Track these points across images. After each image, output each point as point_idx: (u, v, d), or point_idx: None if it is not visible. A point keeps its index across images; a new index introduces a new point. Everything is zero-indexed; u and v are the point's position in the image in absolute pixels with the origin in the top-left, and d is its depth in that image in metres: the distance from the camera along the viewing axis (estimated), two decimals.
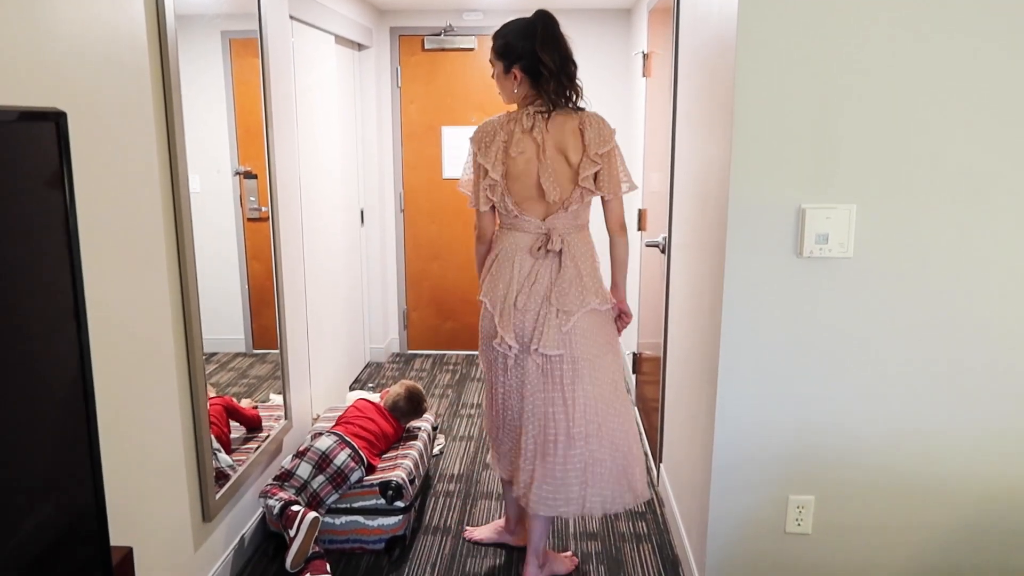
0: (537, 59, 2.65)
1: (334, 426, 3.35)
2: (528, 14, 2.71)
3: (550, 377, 2.72)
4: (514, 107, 2.76)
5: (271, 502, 2.94)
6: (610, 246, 2.81)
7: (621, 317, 2.88)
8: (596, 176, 2.66)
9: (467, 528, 3.34)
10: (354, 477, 3.11)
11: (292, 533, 2.86)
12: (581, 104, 2.73)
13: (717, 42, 2.46)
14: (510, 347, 2.74)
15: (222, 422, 2.93)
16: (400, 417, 3.58)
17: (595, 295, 2.71)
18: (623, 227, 2.77)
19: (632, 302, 5.01)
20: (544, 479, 2.73)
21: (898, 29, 2.15)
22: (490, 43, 2.78)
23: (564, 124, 2.64)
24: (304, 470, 3.07)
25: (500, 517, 3.37)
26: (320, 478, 3.05)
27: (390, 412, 3.56)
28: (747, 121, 2.23)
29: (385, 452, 3.42)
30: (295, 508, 2.90)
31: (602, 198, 2.73)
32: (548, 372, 2.72)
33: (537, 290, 2.70)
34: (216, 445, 2.78)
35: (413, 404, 3.61)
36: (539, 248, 2.69)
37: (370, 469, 3.19)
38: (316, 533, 2.91)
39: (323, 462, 3.08)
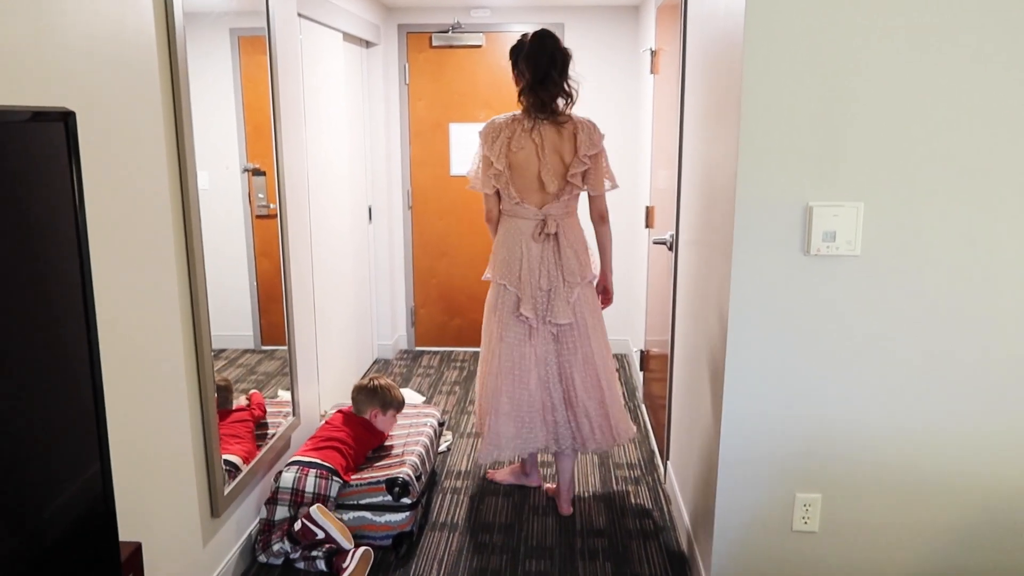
0: (520, 67, 3.18)
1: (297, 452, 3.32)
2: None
3: (565, 343, 3.30)
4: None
5: (292, 552, 2.95)
6: (596, 235, 3.39)
7: (606, 293, 3.47)
8: (585, 174, 3.21)
9: (489, 471, 3.81)
10: (334, 491, 3.08)
11: (344, 564, 2.88)
12: (573, 109, 3.22)
13: (724, 39, 2.45)
14: (529, 319, 3.25)
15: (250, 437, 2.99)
16: (360, 410, 3.48)
17: (588, 270, 3.30)
18: (603, 218, 3.35)
19: (639, 299, 5.02)
20: (576, 427, 3.35)
21: (906, 26, 2.15)
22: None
23: (561, 128, 3.16)
24: (282, 514, 3.03)
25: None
26: (304, 510, 3.00)
27: (355, 414, 3.48)
28: (754, 118, 2.23)
29: (369, 452, 3.42)
30: (341, 553, 2.93)
31: (588, 194, 3.28)
32: (562, 339, 3.29)
33: (547, 269, 3.22)
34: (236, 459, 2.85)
35: (364, 393, 3.50)
36: (539, 233, 3.21)
37: (348, 472, 3.17)
38: (369, 566, 2.94)
39: (296, 496, 3.03)
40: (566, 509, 3.45)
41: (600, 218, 3.34)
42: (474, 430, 4.36)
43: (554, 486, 3.60)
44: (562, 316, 3.22)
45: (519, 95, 3.21)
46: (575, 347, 3.30)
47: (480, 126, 3.29)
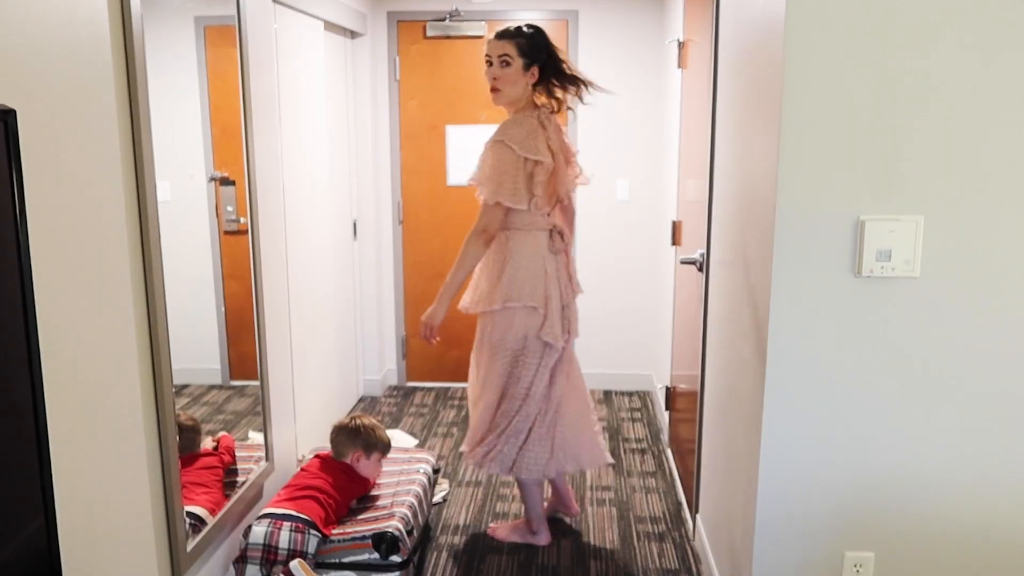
0: (558, 61, 3.36)
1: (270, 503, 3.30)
2: None
3: (560, 360, 3.45)
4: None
5: None
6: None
7: None
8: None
9: (491, 526, 3.84)
10: (312, 546, 3.06)
11: None
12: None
13: (764, 26, 2.46)
14: (555, 344, 3.36)
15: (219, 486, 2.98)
16: (341, 453, 3.48)
17: None
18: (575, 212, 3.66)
19: (664, 328, 5.01)
20: (534, 446, 3.44)
21: (976, 17, 2.15)
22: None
23: (557, 123, 3.40)
24: (252, 574, 2.99)
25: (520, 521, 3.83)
26: (279, 568, 2.98)
27: (335, 458, 3.48)
28: (797, 120, 2.23)
29: (353, 503, 3.42)
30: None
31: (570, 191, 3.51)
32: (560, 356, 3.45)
33: (563, 283, 3.39)
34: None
35: (345, 434, 3.50)
36: (560, 243, 3.38)
37: (328, 525, 3.17)
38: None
39: (268, 554, 3.00)
40: (575, 509, 3.86)
41: (575, 213, 3.65)
42: (475, 476, 4.35)
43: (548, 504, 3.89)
44: (575, 330, 3.47)
45: (528, 89, 3.33)
46: (564, 364, 3.48)
47: (483, 128, 3.32)
